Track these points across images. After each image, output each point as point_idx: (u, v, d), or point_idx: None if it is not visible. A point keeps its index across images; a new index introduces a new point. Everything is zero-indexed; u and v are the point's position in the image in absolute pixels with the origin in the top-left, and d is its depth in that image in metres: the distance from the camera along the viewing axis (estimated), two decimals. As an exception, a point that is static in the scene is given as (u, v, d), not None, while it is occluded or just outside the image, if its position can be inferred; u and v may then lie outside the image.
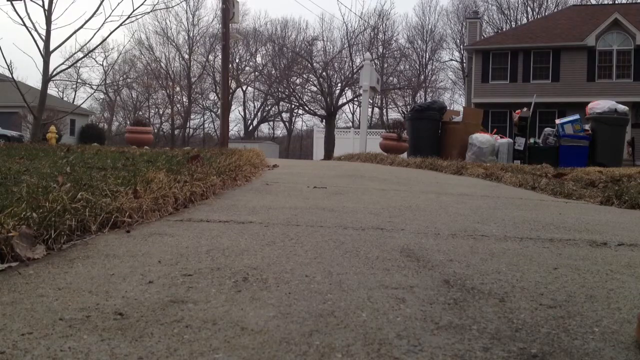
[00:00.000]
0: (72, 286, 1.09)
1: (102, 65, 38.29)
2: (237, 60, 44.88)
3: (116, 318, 0.91)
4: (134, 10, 12.24)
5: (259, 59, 45.85)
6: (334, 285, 1.14)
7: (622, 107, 9.46)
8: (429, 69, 45.67)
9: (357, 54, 34.50)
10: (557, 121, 9.80)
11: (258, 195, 2.80)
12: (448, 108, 11.05)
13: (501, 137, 10.02)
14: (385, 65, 37.00)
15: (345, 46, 35.63)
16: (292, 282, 1.15)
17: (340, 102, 35.08)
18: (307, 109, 38.25)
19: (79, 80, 37.69)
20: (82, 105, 35.79)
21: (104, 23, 12.70)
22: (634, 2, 30.09)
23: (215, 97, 45.52)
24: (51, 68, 12.00)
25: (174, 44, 47.54)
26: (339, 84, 33.99)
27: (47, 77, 11.83)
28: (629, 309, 1.05)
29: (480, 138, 9.44)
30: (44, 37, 11.57)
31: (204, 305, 0.99)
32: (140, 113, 45.96)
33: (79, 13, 36.01)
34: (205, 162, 3.39)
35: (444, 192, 3.36)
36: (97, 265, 1.26)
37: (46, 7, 11.57)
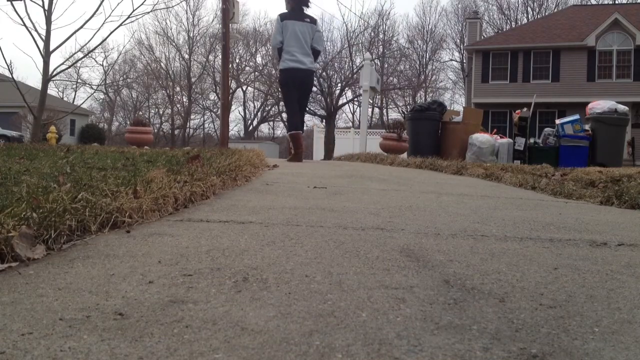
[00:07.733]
0: (72, 286, 1.09)
1: (102, 65, 38.36)
2: (237, 60, 44.87)
3: (116, 318, 0.91)
4: (133, 10, 12.25)
5: (259, 59, 45.84)
6: (334, 285, 1.14)
7: (622, 107, 9.46)
8: (429, 69, 45.69)
9: (357, 54, 34.43)
10: (557, 121, 9.80)
11: (258, 195, 2.80)
12: (448, 108, 11.03)
13: (501, 137, 10.01)
14: (385, 65, 36.99)
15: (345, 46, 35.59)
16: (292, 282, 1.15)
17: (340, 102, 35.05)
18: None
19: (79, 80, 37.72)
20: (82, 105, 35.79)
21: (103, 23, 12.70)
22: (634, 2, 30.08)
23: (215, 97, 45.54)
24: (51, 68, 12.01)
25: (174, 44, 47.56)
26: (339, 84, 33.96)
27: (47, 77, 11.83)
28: (629, 309, 1.05)
29: (480, 138, 9.43)
30: (44, 37, 11.57)
31: (204, 305, 0.99)
32: (140, 113, 45.98)
33: (79, 13, 36.04)
34: (205, 162, 3.39)
35: (444, 192, 3.36)
36: (97, 265, 1.26)
37: (46, 7, 11.57)
